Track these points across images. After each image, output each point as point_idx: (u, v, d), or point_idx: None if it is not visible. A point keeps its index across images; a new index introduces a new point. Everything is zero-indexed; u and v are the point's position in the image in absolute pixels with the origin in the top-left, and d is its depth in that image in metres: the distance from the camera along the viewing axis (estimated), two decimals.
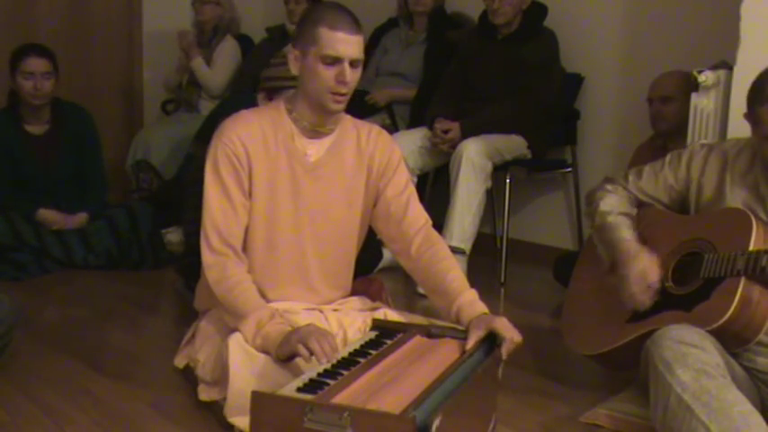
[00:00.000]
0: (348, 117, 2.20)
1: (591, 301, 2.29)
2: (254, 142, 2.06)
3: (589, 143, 3.81)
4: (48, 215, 3.52)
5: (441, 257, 2.10)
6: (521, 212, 4.05)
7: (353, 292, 2.29)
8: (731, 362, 1.88)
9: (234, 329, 1.96)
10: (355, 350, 1.86)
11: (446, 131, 3.52)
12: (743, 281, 1.87)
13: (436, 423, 1.44)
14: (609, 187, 2.28)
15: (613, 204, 2.22)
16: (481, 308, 1.99)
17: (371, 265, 3.46)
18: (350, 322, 2.08)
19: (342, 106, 2.06)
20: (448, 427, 1.49)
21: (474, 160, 3.36)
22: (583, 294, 2.35)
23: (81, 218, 3.58)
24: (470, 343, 1.88)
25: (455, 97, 3.69)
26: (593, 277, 2.31)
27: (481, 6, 3.68)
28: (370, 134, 2.19)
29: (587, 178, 3.71)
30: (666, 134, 3.05)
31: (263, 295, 2.04)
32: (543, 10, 3.65)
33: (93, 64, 4.75)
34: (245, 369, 1.88)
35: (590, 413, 2.13)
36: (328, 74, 1.99)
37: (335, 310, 2.14)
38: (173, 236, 3.84)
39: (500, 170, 3.53)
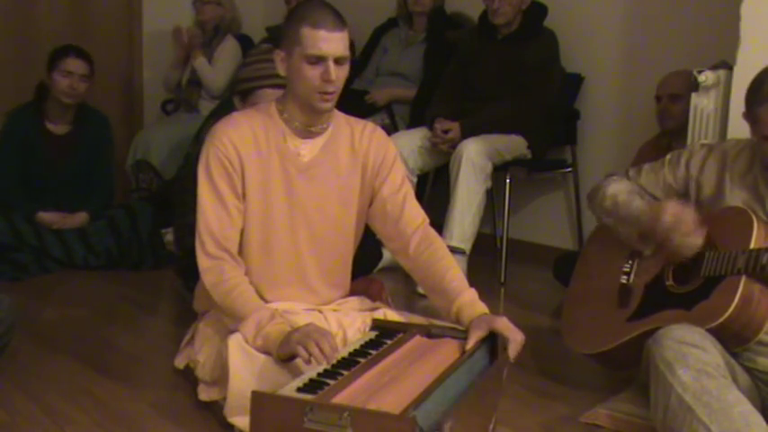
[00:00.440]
0: (341, 115, 2.18)
1: (591, 301, 2.28)
2: (245, 145, 2.05)
3: (589, 143, 3.81)
4: (47, 217, 3.52)
5: (439, 256, 2.10)
6: (521, 212, 4.05)
7: (353, 292, 2.29)
8: (732, 362, 1.88)
9: (234, 330, 1.96)
10: (355, 350, 1.86)
11: (446, 131, 3.52)
12: (743, 279, 1.87)
13: (447, 427, 1.44)
14: (614, 177, 2.28)
15: (621, 188, 2.21)
16: (481, 308, 1.99)
17: (371, 265, 3.46)
18: (350, 322, 2.07)
19: (330, 104, 2.04)
20: (457, 428, 1.49)
21: (474, 160, 3.36)
22: (583, 294, 2.34)
23: (81, 217, 3.58)
24: (470, 343, 1.88)
25: (455, 97, 3.69)
26: (594, 276, 2.31)
27: (481, 6, 3.68)
28: (364, 132, 2.18)
29: (587, 178, 3.71)
30: (673, 132, 3.04)
31: (261, 297, 2.04)
32: (543, 10, 3.65)
33: (94, 64, 4.75)
34: (244, 369, 1.88)
35: (590, 413, 2.13)
36: (314, 73, 1.97)
37: (335, 310, 2.14)
38: (172, 236, 3.84)
39: (500, 170, 3.53)
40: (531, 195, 4.04)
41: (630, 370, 2.17)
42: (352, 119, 2.21)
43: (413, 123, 3.89)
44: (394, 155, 2.20)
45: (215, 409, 2.03)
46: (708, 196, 2.09)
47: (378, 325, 2.05)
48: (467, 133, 3.46)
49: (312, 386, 1.62)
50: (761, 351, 1.91)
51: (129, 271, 3.55)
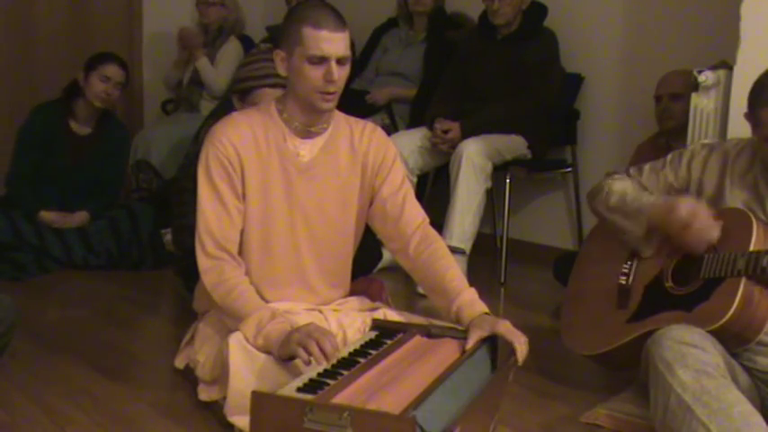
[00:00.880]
0: (341, 115, 2.18)
1: (590, 301, 2.28)
2: (245, 145, 2.05)
3: (589, 143, 3.81)
4: (48, 217, 3.52)
5: (439, 256, 2.10)
6: (521, 212, 4.05)
7: (353, 292, 2.29)
8: (731, 362, 1.88)
9: (234, 329, 1.96)
10: (355, 350, 1.86)
11: (446, 131, 3.52)
12: (743, 281, 1.87)
13: (458, 430, 1.44)
14: (616, 176, 2.27)
15: (628, 184, 2.20)
16: (481, 307, 1.99)
17: (371, 266, 3.45)
18: (350, 322, 2.07)
19: (332, 105, 2.04)
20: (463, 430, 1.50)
21: (474, 160, 3.36)
22: (582, 294, 2.34)
23: (81, 216, 3.58)
24: (470, 343, 1.88)
25: (455, 97, 3.69)
26: (593, 277, 2.31)
27: (481, 6, 3.68)
28: (363, 132, 2.18)
29: (587, 178, 3.71)
30: (672, 132, 3.04)
31: (261, 297, 2.03)
32: (543, 10, 3.65)
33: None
34: (245, 368, 1.88)
35: (590, 413, 2.13)
36: (315, 74, 1.97)
37: (335, 310, 2.14)
38: (171, 236, 3.84)
39: (500, 170, 3.53)
40: (531, 195, 4.04)
41: (630, 370, 2.17)
42: (352, 119, 2.20)
43: (413, 123, 3.89)
44: (394, 155, 2.20)
45: (215, 409, 2.03)
46: (709, 196, 2.09)
47: (378, 325, 2.05)
48: (467, 133, 3.46)
49: (312, 386, 1.62)
50: (761, 351, 1.91)
51: (129, 271, 3.55)
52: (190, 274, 2.64)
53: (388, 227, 2.17)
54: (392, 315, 2.14)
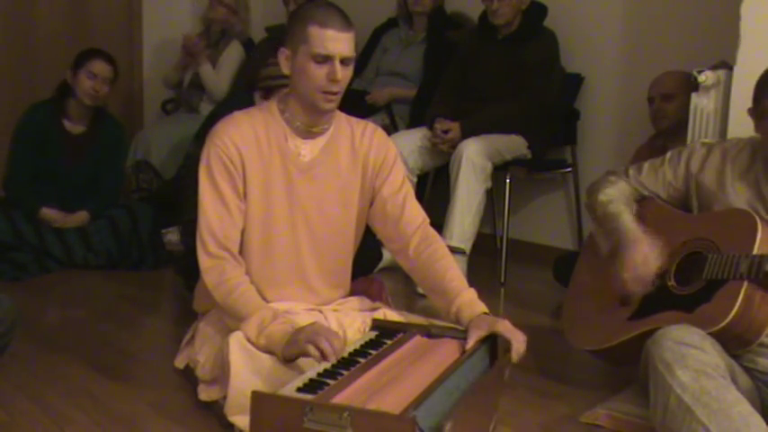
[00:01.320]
0: (342, 115, 2.18)
1: (592, 298, 2.28)
2: (246, 144, 2.05)
3: (589, 143, 3.81)
4: (49, 214, 3.52)
5: (439, 256, 2.10)
6: (521, 212, 4.05)
7: (353, 293, 2.29)
8: (731, 363, 1.88)
9: (235, 329, 1.96)
10: (355, 350, 1.86)
11: (446, 131, 3.52)
12: (745, 284, 1.87)
13: (447, 427, 1.44)
14: (611, 179, 2.28)
15: (614, 194, 2.22)
16: (481, 307, 1.99)
17: (371, 266, 3.46)
18: (350, 322, 2.07)
19: (334, 105, 2.05)
20: (457, 429, 1.49)
21: (474, 160, 3.36)
22: (584, 291, 2.35)
23: (81, 216, 3.58)
24: (470, 343, 1.88)
25: (455, 97, 3.69)
26: (595, 274, 2.31)
27: (481, 6, 3.68)
28: (364, 132, 2.18)
29: (587, 178, 3.71)
30: (667, 133, 3.05)
31: (261, 296, 2.04)
32: (543, 10, 3.65)
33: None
34: (245, 367, 1.88)
35: (590, 413, 2.13)
36: (319, 72, 1.97)
37: (335, 310, 2.14)
38: (173, 236, 3.84)
39: (500, 170, 3.52)
40: (531, 195, 4.04)
41: (631, 366, 2.17)
42: (353, 119, 2.21)
43: (413, 123, 3.89)
44: (394, 155, 2.20)
45: (215, 409, 2.03)
46: (708, 194, 2.09)
47: (378, 325, 2.05)
48: (467, 133, 3.46)
49: (312, 386, 1.62)
50: (761, 352, 1.91)
51: (129, 271, 3.55)
52: (191, 273, 2.65)
53: (388, 227, 2.17)
54: (392, 315, 2.14)
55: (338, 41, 1.96)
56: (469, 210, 3.38)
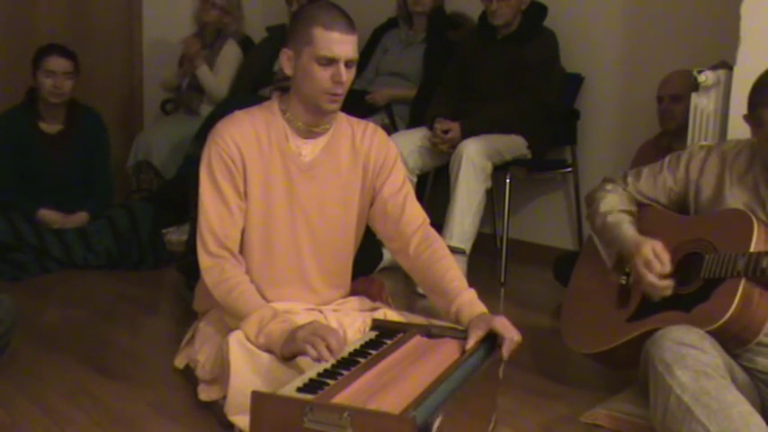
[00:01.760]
0: (343, 115, 2.19)
1: (590, 301, 2.28)
2: (247, 143, 2.05)
3: (589, 143, 3.81)
4: (48, 215, 3.52)
5: (439, 257, 2.10)
6: (521, 212, 4.05)
7: (353, 293, 2.29)
8: (731, 362, 1.88)
9: (235, 328, 1.96)
10: (355, 350, 1.86)
11: (446, 131, 3.52)
12: (743, 282, 1.87)
13: (437, 423, 1.44)
14: (608, 187, 2.28)
15: (613, 204, 2.22)
16: (480, 308, 1.99)
17: (372, 266, 3.46)
18: (350, 322, 2.07)
19: (337, 106, 2.05)
20: (448, 426, 1.49)
21: (474, 160, 3.36)
22: (582, 293, 2.35)
23: (81, 217, 3.58)
24: (470, 343, 1.88)
25: (455, 97, 3.69)
26: (593, 276, 2.31)
27: (481, 6, 3.68)
28: (365, 133, 2.18)
29: (587, 178, 3.71)
30: (674, 133, 3.04)
31: (262, 296, 2.04)
32: (543, 10, 3.65)
33: (94, 65, 4.74)
34: (245, 367, 1.88)
35: (590, 413, 2.13)
36: (324, 75, 1.98)
37: (335, 310, 2.14)
38: (173, 236, 3.85)
39: (500, 170, 3.52)
40: (531, 195, 4.04)
41: (630, 369, 2.17)
42: (354, 119, 2.21)
43: (413, 123, 3.89)
44: (395, 156, 2.20)
45: (215, 409, 2.03)
46: (708, 199, 2.09)
47: (378, 325, 2.05)
48: (467, 133, 3.46)
49: (312, 386, 1.62)
50: (760, 351, 1.91)
51: (129, 271, 3.55)
52: (193, 271, 2.65)
53: (388, 227, 2.17)
54: (392, 315, 2.14)
55: (343, 44, 1.97)
56: (469, 210, 3.38)
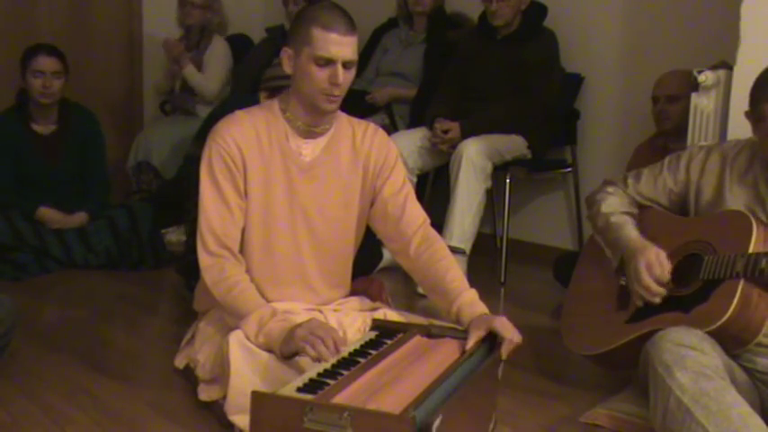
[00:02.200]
0: (344, 116, 2.19)
1: (590, 302, 2.28)
2: (248, 143, 2.05)
3: (589, 143, 3.81)
4: (47, 214, 3.52)
5: (439, 257, 2.10)
6: (521, 212, 4.05)
7: (353, 292, 2.29)
8: (730, 363, 1.88)
9: (234, 327, 1.96)
10: (355, 350, 1.86)
11: (446, 131, 3.52)
12: (742, 283, 1.87)
13: (436, 423, 1.44)
14: (609, 189, 2.28)
15: (615, 205, 2.22)
16: (481, 308, 1.99)
17: (371, 266, 3.46)
18: (350, 322, 2.08)
19: (335, 106, 2.05)
20: (448, 426, 1.49)
21: (474, 160, 3.37)
22: (582, 295, 2.34)
23: (81, 217, 3.58)
24: (470, 343, 1.88)
25: (455, 97, 3.69)
26: (594, 278, 2.31)
27: (481, 6, 3.68)
28: (366, 133, 2.18)
29: (587, 178, 3.71)
30: (669, 134, 3.04)
31: (262, 295, 2.04)
32: (543, 10, 3.65)
33: (94, 65, 4.75)
34: (245, 366, 1.88)
35: (590, 413, 2.13)
36: (321, 75, 1.98)
37: (335, 310, 2.14)
38: (173, 236, 3.84)
39: (500, 170, 3.53)
40: (531, 195, 4.04)
41: (629, 370, 2.17)
42: (355, 120, 2.21)
43: (413, 123, 3.89)
44: (395, 156, 2.20)
45: (215, 409, 2.03)
46: (708, 199, 2.09)
47: (378, 325, 2.05)
48: (467, 133, 3.47)
49: (312, 386, 1.62)
50: (760, 352, 1.91)
51: (129, 271, 3.55)
52: (192, 272, 2.65)
53: (388, 227, 2.17)
54: (392, 315, 2.14)
55: (341, 45, 1.96)
56: (469, 210, 3.38)
